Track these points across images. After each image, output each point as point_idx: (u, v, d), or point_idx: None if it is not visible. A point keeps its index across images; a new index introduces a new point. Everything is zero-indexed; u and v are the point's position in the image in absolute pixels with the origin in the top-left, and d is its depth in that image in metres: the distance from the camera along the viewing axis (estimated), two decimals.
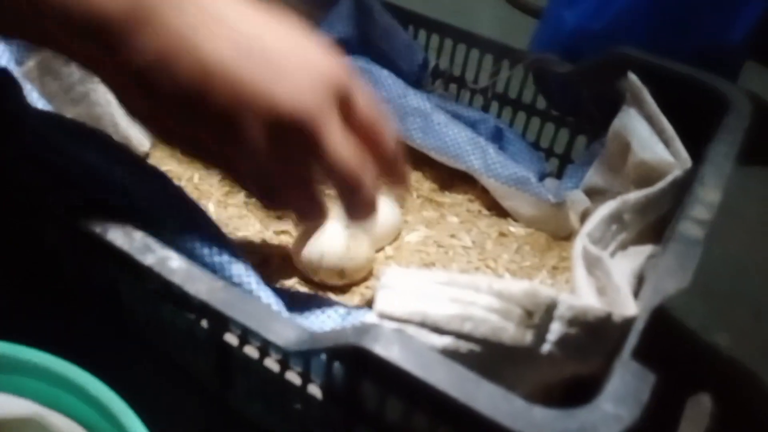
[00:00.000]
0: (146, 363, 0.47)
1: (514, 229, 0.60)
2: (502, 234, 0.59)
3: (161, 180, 0.43)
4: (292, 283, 0.54)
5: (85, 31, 0.33)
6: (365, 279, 0.55)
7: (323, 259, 0.52)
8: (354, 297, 0.53)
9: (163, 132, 0.39)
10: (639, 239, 0.49)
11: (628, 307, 0.36)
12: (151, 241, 0.38)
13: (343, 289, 0.54)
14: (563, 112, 0.65)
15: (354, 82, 0.38)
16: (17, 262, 0.52)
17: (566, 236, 0.59)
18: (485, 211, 0.62)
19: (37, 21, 0.34)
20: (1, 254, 0.52)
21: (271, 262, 0.55)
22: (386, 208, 0.58)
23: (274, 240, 0.56)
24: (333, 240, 0.52)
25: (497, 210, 0.61)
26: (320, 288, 0.54)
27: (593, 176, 0.59)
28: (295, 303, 0.45)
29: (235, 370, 0.42)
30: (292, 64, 0.36)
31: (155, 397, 0.35)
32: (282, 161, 0.37)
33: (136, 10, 0.33)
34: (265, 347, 0.38)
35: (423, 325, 0.32)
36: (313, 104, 0.35)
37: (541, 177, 0.64)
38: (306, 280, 0.54)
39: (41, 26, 0.34)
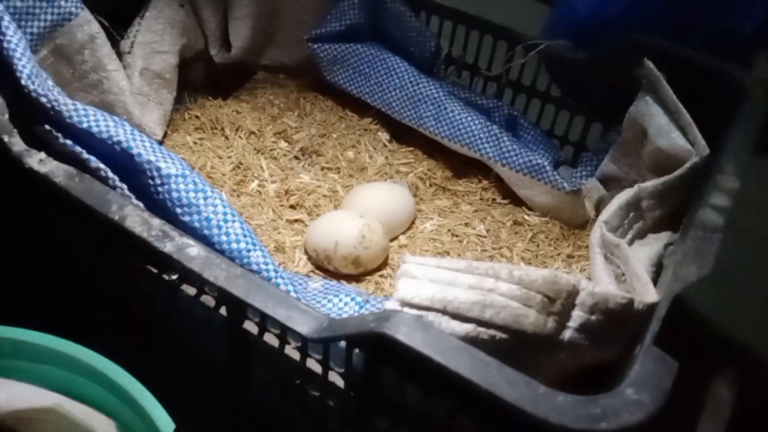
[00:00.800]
0: (160, 355, 0.47)
1: (529, 217, 0.59)
2: (516, 222, 0.59)
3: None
4: (305, 272, 0.54)
5: None
6: (379, 268, 0.54)
7: (338, 247, 0.52)
8: (369, 286, 0.53)
9: None
10: (656, 227, 0.49)
11: (648, 294, 0.36)
12: (169, 229, 0.38)
13: (357, 278, 0.54)
14: (575, 99, 0.65)
15: None
16: (31, 254, 0.52)
17: (581, 225, 0.59)
18: (499, 200, 0.61)
19: None
20: (14, 246, 0.53)
21: (284, 250, 0.55)
22: (401, 197, 0.58)
23: (288, 228, 0.56)
24: (348, 229, 0.52)
25: (511, 198, 0.61)
26: (334, 276, 0.53)
27: (608, 164, 0.58)
28: (312, 290, 0.45)
29: (252, 359, 0.42)
30: None
31: (170, 388, 0.35)
32: None
33: None
34: (284, 335, 0.38)
35: (444, 312, 0.32)
36: None
37: (556, 165, 0.64)
38: (319, 268, 0.54)
39: None
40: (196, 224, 0.41)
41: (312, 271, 0.54)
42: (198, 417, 0.37)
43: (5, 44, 0.43)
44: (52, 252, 0.52)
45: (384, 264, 0.55)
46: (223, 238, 0.40)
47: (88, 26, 0.52)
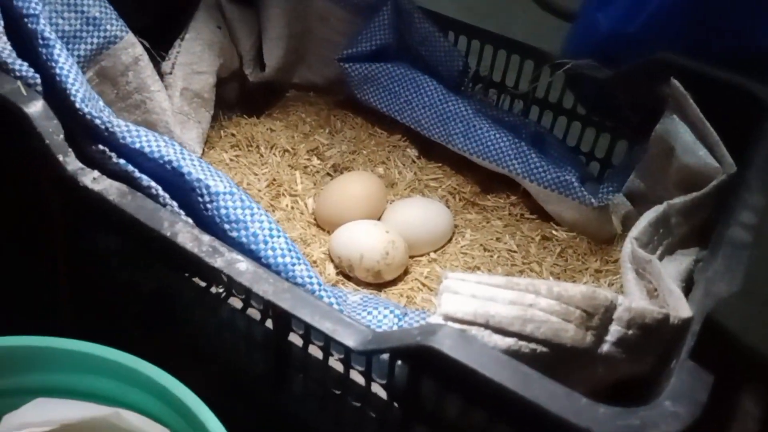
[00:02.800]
0: (195, 369, 0.48)
1: (557, 232, 0.61)
2: (545, 238, 0.60)
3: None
4: (335, 281, 0.55)
5: None
6: (398, 280, 0.56)
7: (363, 259, 0.54)
8: (389, 296, 0.55)
9: None
10: (684, 243, 0.50)
11: (682, 309, 0.37)
12: (219, 245, 0.40)
13: (377, 287, 0.56)
14: (600, 116, 0.66)
15: None
16: (67, 266, 0.54)
17: (608, 240, 0.60)
18: (528, 215, 0.63)
19: None
20: (52, 258, 0.54)
21: (315, 263, 0.56)
22: (440, 213, 0.59)
23: (315, 240, 0.58)
24: (373, 242, 0.54)
25: (539, 213, 0.62)
26: (357, 284, 0.55)
27: (635, 180, 0.59)
28: (351, 302, 0.46)
29: (293, 371, 0.43)
30: None
31: (206, 402, 0.36)
32: None
33: None
34: (328, 347, 0.39)
35: (486, 326, 0.34)
36: None
37: (582, 181, 0.65)
38: (341, 273, 0.56)
39: None
40: (244, 239, 0.43)
41: (339, 279, 0.56)
42: (238, 427, 0.38)
43: (58, 69, 0.45)
44: (91, 267, 0.53)
45: (403, 276, 0.57)
46: (270, 252, 0.42)
47: (132, 49, 0.54)
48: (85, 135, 0.45)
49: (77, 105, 0.44)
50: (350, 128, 0.70)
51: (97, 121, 0.44)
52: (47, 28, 0.46)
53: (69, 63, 0.46)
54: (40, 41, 0.45)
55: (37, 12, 0.46)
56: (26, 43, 0.47)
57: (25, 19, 0.46)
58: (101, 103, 0.47)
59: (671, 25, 0.75)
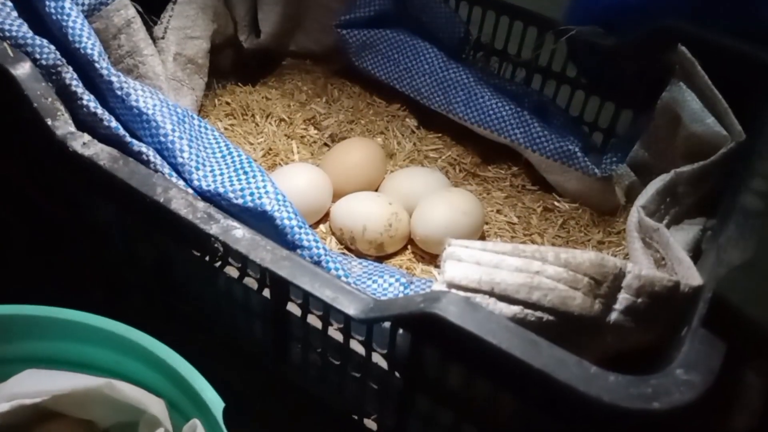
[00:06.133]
0: (196, 335, 0.47)
1: (559, 204, 0.60)
2: (546, 209, 0.59)
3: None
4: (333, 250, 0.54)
5: None
6: (399, 252, 0.55)
7: (365, 231, 0.53)
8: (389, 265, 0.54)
9: None
10: (691, 212, 0.49)
11: (692, 277, 0.36)
12: (214, 211, 0.39)
13: (379, 259, 0.54)
14: (602, 85, 0.64)
15: None
16: (63, 238, 0.53)
17: (611, 211, 0.59)
18: (529, 186, 0.61)
19: None
20: (46, 232, 0.53)
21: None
22: (440, 184, 0.57)
23: None
24: (376, 214, 0.53)
25: (541, 184, 0.61)
26: (358, 256, 0.54)
27: (639, 150, 0.58)
28: (357, 269, 0.45)
29: (292, 340, 0.42)
30: None
31: (205, 371, 0.35)
32: None
33: None
34: (327, 316, 0.38)
35: (491, 294, 0.33)
36: None
37: (585, 151, 0.64)
38: (343, 245, 0.55)
39: None
40: (250, 204, 0.41)
41: (341, 249, 0.55)
42: (237, 396, 0.37)
43: (71, 23, 0.45)
44: (87, 237, 0.52)
45: (404, 249, 0.55)
46: (276, 214, 0.41)
47: (125, 11, 0.52)
48: (75, 96, 0.44)
49: (94, 59, 0.43)
50: (348, 97, 0.68)
51: (114, 78, 0.42)
52: None
53: (81, 18, 0.45)
54: None
55: None
56: (26, 6, 0.46)
57: None
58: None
59: None
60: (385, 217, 0.53)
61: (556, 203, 0.60)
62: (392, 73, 0.65)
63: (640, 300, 0.34)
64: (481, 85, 0.62)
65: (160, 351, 0.35)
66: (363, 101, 0.68)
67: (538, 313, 0.33)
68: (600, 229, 0.57)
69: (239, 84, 0.67)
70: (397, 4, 0.67)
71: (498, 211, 0.58)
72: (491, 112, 0.60)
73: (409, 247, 0.55)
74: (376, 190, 0.58)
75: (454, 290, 0.33)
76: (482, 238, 0.56)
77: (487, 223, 0.57)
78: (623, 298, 0.34)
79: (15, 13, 0.45)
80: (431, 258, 0.54)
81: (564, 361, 0.29)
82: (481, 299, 0.33)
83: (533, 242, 0.56)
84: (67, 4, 0.46)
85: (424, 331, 0.34)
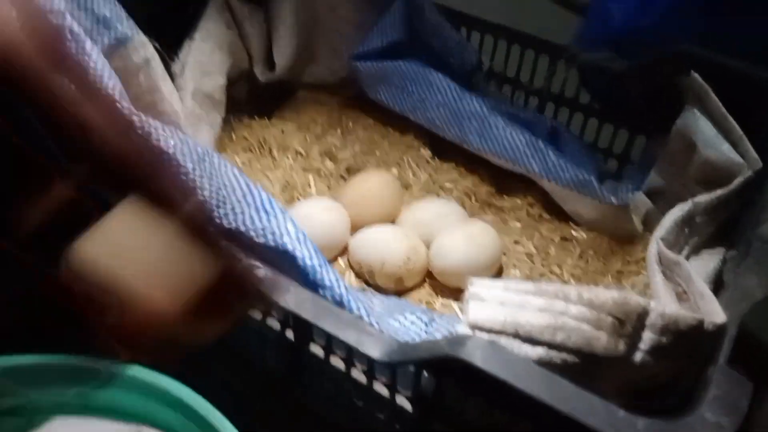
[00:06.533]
0: (216, 371, 0.48)
1: (576, 233, 0.59)
2: (564, 239, 0.59)
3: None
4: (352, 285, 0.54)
5: None
6: (418, 286, 0.55)
7: (384, 266, 0.53)
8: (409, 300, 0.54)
9: None
10: (709, 242, 0.48)
11: (716, 313, 0.36)
12: (236, 251, 0.39)
13: (398, 293, 0.54)
14: (614, 111, 0.64)
15: None
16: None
17: (629, 239, 0.59)
18: (546, 215, 0.61)
19: None
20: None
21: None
22: (457, 216, 0.57)
23: None
24: (395, 248, 0.53)
25: (558, 213, 0.61)
26: (376, 290, 0.54)
27: (655, 177, 0.58)
28: (377, 306, 0.46)
29: (315, 379, 0.42)
30: None
31: (228, 406, 0.36)
32: None
33: None
34: (350, 357, 0.38)
35: (516, 336, 0.33)
36: None
37: (601, 179, 0.64)
38: (360, 278, 0.55)
39: None
40: (272, 244, 0.42)
41: (359, 284, 0.55)
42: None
43: (92, 63, 0.46)
44: None
45: (423, 282, 0.55)
46: (297, 254, 0.41)
47: (143, 49, 0.53)
48: None
49: (115, 98, 0.43)
50: (362, 129, 0.69)
51: (135, 118, 0.43)
52: (75, 24, 0.45)
53: (101, 59, 0.46)
54: (68, 36, 0.45)
55: (61, 8, 0.45)
56: None
57: (50, 15, 0.45)
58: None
59: (687, 17, 0.74)
60: (404, 251, 0.53)
61: (573, 233, 0.59)
62: (406, 105, 0.66)
63: (664, 339, 0.34)
64: (494, 115, 0.62)
65: (185, 395, 0.35)
66: (377, 132, 0.68)
67: (563, 355, 0.33)
68: (619, 258, 0.57)
69: (255, 117, 0.68)
70: (410, 33, 0.67)
71: (516, 242, 0.58)
72: (505, 141, 0.61)
73: (427, 280, 0.55)
74: (393, 222, 0.58)
75: (478, 332, 0.33)
76: (501, 269, 0.56)
77: (504, 254, 0.57)
78: (648, 338, 0.34)
79: None
80: (450, 291, 0.54)
81: (593, 406, 0.29)
82: (505, 341, 0.33)
83: (552, 273, 0.56)
84: (88, 45, 0.47)
85: (449, 375, 0.34)
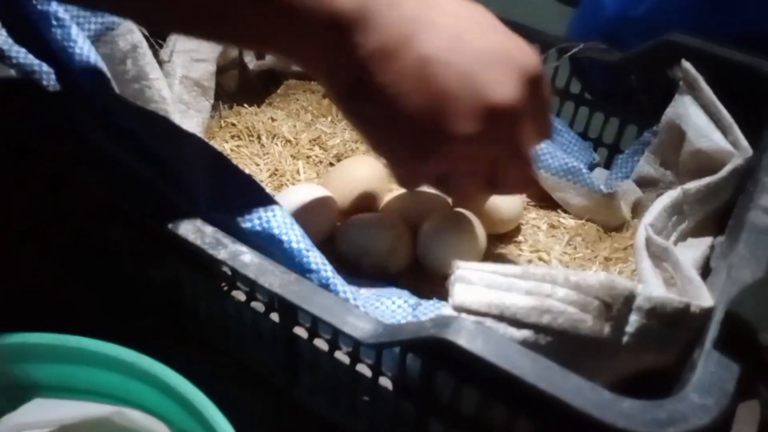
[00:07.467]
0: (205, 360, 0.47)
1: (565, 220, 0.59)
2: (552, 226, 0.59)
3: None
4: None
5: (316, 30, 0.35)
6: (404, 273, 0.55)
7: (368, 257, 0.52)
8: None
9: (378, 131, 0.40)
10: (697, 229, 0.48)
11: (703, 297, 0.35)
12: (222, 236, 0.39)
13: (384, 280, 0.54)
14: (607, 101, 0.64)
15: (543, 72, 0.40)
16: (76, 261, 0.53)
17: (617, 227, 0.59)
18: (534, 202, 0.61)
19: (260, 20, 0.35)
20: (60, 254, 0.53)
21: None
22: (443, 204, 0.57)
23: None
24: (378, 241, 0.52)
25: (547, 201, 0.61)
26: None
27: (644, 166, 0.58)
28: (364, 291, 0.45)
29: (301, 364, 0.42)
30: (497, 56, 0.38)
31: (216, 395, 0.35)
32: (480, 148, 0.39)
33: (363, 8, 0.35)
34: (335, 340, 0.38)
35: (501, 317, 0.32)
36: (516, 96, 0.37)
37: (590, 167, 0.64)
38: (346, 265, 0.54)
39: (261, 26, 0.36)
40: (258, 228, 0.41)
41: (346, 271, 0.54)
42: (248, 421, 0.37)
43: (77, 50, 0.46)
44: (98, 259, 0.52)
45: (409, 269, 0.55)
46: (284, 237, 0.41)
47: (131, 35, 0.53)
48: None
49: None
50: None
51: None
52: (60, 9, 0.45)
53: (87, 44, 0.45)
54: (54, 22, 0.45)
55: None
56: (30, 32, 0.46)
57: (34, 2, 0.45)
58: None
59: (680, 7, 0.74)
60: (388, 243, 0.52)
61: (561, 220, 0.59)
62: None
63: (651, 322, 0.34)
64: None
65: (170, 378, 0.35)
66: None
67: (549, 337, 0.33)
68: (607, 245, 0.57)
69: (244, 105, 0.67)
70: None
71: None
72: None
73: (413, 267, 0.55)
74: (379, 209, 0.58)
75: (463, 314, 0.33)
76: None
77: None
78: (634, 321, 0.34)
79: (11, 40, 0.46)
80: (437, 278, 0.53)
81: (578, 387, 0.29)
82: (491, 323, 0.32)
83: (540, 259, 0.56)
84: (74, 31, 0.47)
85: (435, 356, 0.34)
